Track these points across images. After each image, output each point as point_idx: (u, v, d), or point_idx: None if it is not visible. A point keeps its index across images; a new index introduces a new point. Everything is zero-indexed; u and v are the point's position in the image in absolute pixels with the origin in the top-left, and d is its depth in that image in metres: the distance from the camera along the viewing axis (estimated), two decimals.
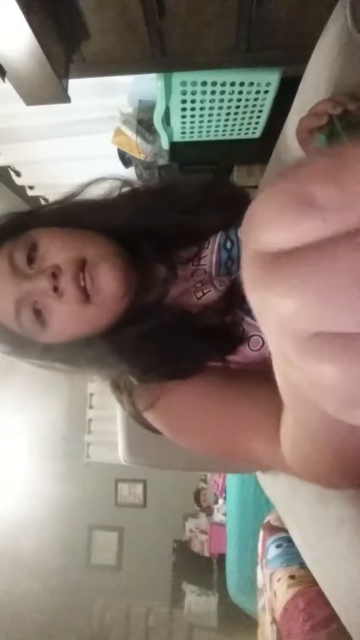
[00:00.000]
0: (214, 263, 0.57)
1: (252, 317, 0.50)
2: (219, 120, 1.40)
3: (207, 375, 0.51)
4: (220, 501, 2.90)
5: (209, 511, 3.05)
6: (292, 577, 1.14)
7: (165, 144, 1.52)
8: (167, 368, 0.51)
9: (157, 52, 1.10)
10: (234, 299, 0.52)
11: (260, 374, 0.48)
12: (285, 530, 1.16)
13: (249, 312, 0.50)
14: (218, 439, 0.50)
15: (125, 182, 0.60)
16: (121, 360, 0.52)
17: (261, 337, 0.50)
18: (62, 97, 1.11)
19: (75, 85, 1.15)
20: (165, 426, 0.54)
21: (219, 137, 1.51)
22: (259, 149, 1.53)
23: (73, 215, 0.55)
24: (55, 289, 0.47)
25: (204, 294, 0.54)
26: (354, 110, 0.51)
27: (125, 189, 0.60)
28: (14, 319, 0.49)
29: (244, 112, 1.37)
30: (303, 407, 0.29)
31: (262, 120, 1.42)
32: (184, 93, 1.26)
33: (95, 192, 0.59)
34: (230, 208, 0.58)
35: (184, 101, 1.29)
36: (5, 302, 0.49)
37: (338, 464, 0.38)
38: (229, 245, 0.57)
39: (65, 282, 0.47)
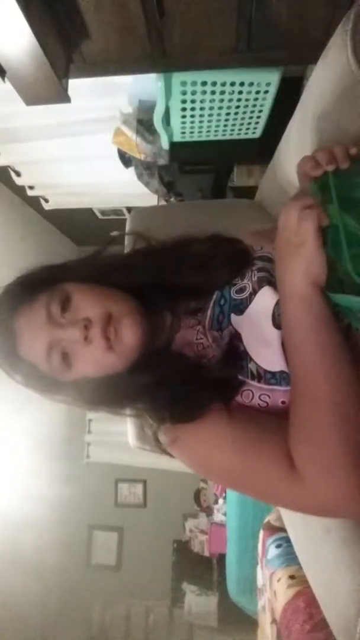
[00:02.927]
0: (208, 317, 0.66)
1: (244, 375, 0.58)
2: (219, 120, 1.40)
3: (223, 417, 0.57)
4: (220, 501, 2.90)
5: (209, 511, 3.05)
6: (292, 577, 1.14)
7: (165, 144, 1.52)
8: (175, 411, 0.59)
9: (157, 52, 1.10)
10: (233, 355, 0.60)
11: (260, 412, 0.57)
12: (285, 530, 1.16)
13: (241, 369, 0.58)
14: (235, 477, 0.59)
15: (142, 237, 0.72)
16: (132, 401, 0.62)
17: (252, 391, 0.57)
18: (62, 97, 1.11)
19: (75, 85, 1.15)
20: (185, 459, 0.62)
21: (219, 137, 1.50)
22: (259, 149, 1.53)
23: (100, 273, 0.65)
24: (86, 338, 0.56)
25: (202, 346, 0.64)
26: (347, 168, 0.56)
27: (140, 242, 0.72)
28: (45, 359, 0.58)
29: (244, 112, 1.37)
30: (312, 376, 0.49)
31: (262, 120, 1.41)
32: (184, 93, 1.26)
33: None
34: (236, 263, 0.68)
35: (184, 101, 1.29)
36: (40, 345, 0.58)
37: (355, 454, 0.45)
38: (222, 302, 0.65)
39: (94, 333, 0.56)
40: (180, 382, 0.60)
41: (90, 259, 0.70)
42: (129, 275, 0.66)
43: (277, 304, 0.59)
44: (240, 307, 0.63)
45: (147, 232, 0.73)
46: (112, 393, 0.62)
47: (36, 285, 0.62)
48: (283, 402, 0.56)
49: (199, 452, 0.60)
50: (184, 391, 0.59)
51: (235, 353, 0.60)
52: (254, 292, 0.63)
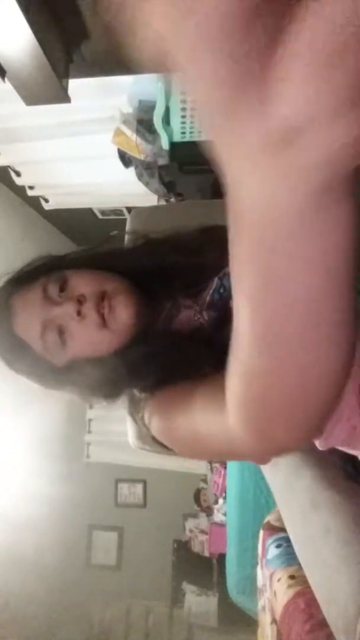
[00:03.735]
0: (207, 301, 0.67)
1: None
2: None
3: (195, 384, 0.57)
4: (220, 501, 2.90)
5: (209, 511, 3.05)
6: (292, 577, 1.14)
7: (165, 144, 1.52)
8: (165, 372, 0.59)
9: None
10: (227, 317, 0.58)
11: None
12: (285, 530, 1.16)
13: None
14: (191, 435, 0.54)
15: (141, 235, 0.73)
16: (127, 380, 0.62)
17: None
18: (62, 97, 1.11)
19: (75, 85, 1.15)
20: (159, 433, 0.61)
21: None
22: None
23: (98, 260, 0.67)
24: (79, 313, 0.56)
25: (200, 323, 0.65)
26: None
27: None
28: (39, 337, 0.58)
29: None
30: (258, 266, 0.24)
31: None
32: (184, 93, 1.26)
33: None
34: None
35: (184, 101, 1.29)
36: (35, 322, 0.58)
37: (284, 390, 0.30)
38: (222, 290, 0.66)
39: (87, 309, 0.57)
40: (173, 349, 0.61)
41: (90, 249, 0.72)
42: (126, 261, 0.68)
43: None
44: None
45: (146, 231, 0.74)
46: (107, 374, 0.61)
47: (36, 271, 0.64)
48: None
49: (167, 419, 0.59)
50: (177, 354, 0.60)
51: (229, 315, 0.55)
52: None
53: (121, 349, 0.60)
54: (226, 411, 0.37)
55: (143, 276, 0.65)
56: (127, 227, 1.28)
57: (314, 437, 0.48)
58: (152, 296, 0.66)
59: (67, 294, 0.59)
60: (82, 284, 0.60)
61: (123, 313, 0.58)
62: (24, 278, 0.63)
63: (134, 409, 0.66)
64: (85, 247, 0.73)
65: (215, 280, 0.67)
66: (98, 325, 0.57)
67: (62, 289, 0.59)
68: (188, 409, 0.53)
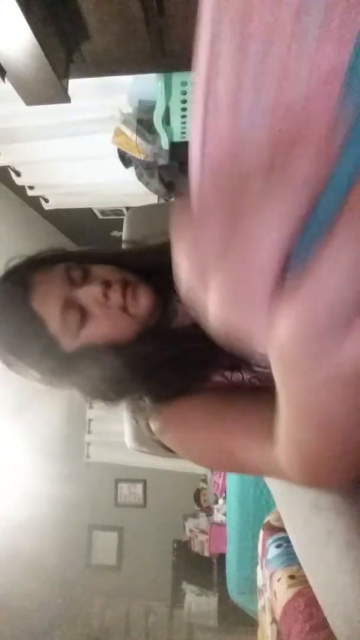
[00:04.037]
0: None
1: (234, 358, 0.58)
2: None
3: (206, 394, 0.58)
4: (220, 501, 2.90)
5: (209, 511, 3.05)
6: (292, 577, 1.14)
7: (165, 144, 1.52)
8: (176, 379, 0.59)
9: (157, 52, 1.10)
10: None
11: (249, 389, 0.57)
12: (285, 530, 1.16)
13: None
14: (220, 452, 0.56)
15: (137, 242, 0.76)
16: (134, 374, 0.61)
17: (242, 374, 0.58)
18: (62, 97, 1.11)
19: (75, 85, 1.15)
20: (175, 444, 0.61)
21: None
22: None
23: (118, 257, 0.69)
24: (105, 295, 0.57)
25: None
26: None
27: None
28: (59, 314, 0.56)
29: None
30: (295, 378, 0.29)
31: None
32: (184, 93, 1.26)
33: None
34: None
35: (184, 101, 1.29)
36: (56, 299, 0.57)
37: (333, 442, 0.35)
38: None
39: (113, 292, 0.58)
40: (180, 349, 0.60)
41: (109, 248, 0.75)
42: (137, 261, 0.69)
43: None
44: None
45: (141, 237, 0.74)
46: (112, 369, 0.60)
47: (56, 255, 0.65)
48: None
49: (186, 428, 0.59)
50: (184, 358, 0.59)
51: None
52: None
53: (130, 344, 0.60)
54: (272, 445, 0.41)
55: (153, 276, 0.66)
56: (124, 227, 1.28)
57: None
58: (161, 296, 0.66)
59: (92, 278, 0.59)
60: (106, 272, 0.61)
61: (145, 300, 0.59)
62: (44, 260, 0.64)
63: (139, 415, 0.66)
64: (104, 247, 0.75)
65: None
66: (121, 309, 0.58)
67: (85, 276, 0.60)
68: (216, 428, 0.54)
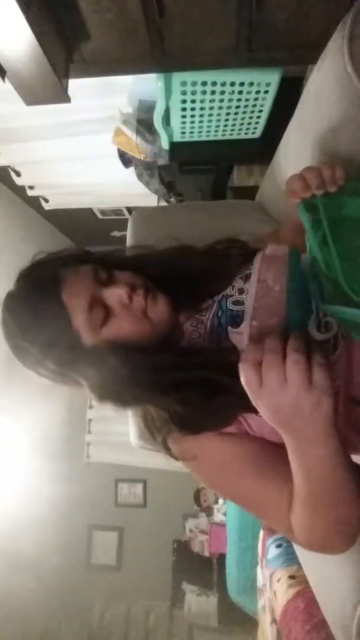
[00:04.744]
0: (207, 327, 0.70)
1: None
2: (219, 120, 1.40)
3: (234, 441, 0.63)
4: (220, 501, 2.90)
5: (209, 511, 3.05)
6: (292, 577, 1.14)
7: (165, 144, 1.52)
8: (198, 403, 0.61)
9: (157, 52, 1.09)
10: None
11: (274, 446, 0.61)
12: None
13: None
14: (236, 498, 0.67)
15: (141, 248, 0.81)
16: (147, 379, 0.63)
17: None
18: (62, 97, 1.11)
19: (75, 85, 1.15)
20: (196, 473, 0.68)
21: (219, 137, 1.50)
22: (259, 149, 1.53)
23: (136, 263, 0.73)
24: (130, 297, 0.62)
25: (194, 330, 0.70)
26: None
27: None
28: (85, 309, 0.60)
29: (244, 112, 1.37)
30: (320, 495, 0.53)
31: (262, 120, 1.41)
32: (184, 93, 1.26)
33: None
34: (240, 255, 0.74)
35: (184, 101, 1.29)
36: (86, 294, 0.61)
37: (344, 533, 0.55)
38: (220, 314, 0.69)
39: (137, 296, 0.63)
40: (193, 366, 0.62)
41: (128, 251, 0.81)
42: (153, 269, 0.73)
43: None
44: (237, 320, 0.65)
45: (149, 241, 0.79)
46: (127, 370, 0.62)
47: (83, 255, 0.71)
48: None
49: (213, 470, 0.65)
50: (214, 392, 0.60)
51: (228, 342, 0.65)
52: None
53: (146, 348, 0.63)
54: (288, 514, 0.57)
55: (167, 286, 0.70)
56: (129, 229, 1.28)
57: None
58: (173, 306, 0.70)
59: (117, 281, 0.64)
60: (129, 277, 0.65)
61: (164, 307, 0.65)
62: (70, 258, 0.68)
63: (156, 429, 0.68)
64: (113, 250, 0.79)
65: (215, 304, 0.70)
66: (142, 312, 0.63)
67: (110, 278, 0.64)
68: (241, 477, 0.62)
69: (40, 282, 0.63)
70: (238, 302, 0.67)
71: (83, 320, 0.60)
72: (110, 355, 0.61)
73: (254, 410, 0.50)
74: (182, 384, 0.61)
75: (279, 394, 0.45)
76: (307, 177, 0.60)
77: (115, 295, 0.62)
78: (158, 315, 0.64)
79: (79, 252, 0.71)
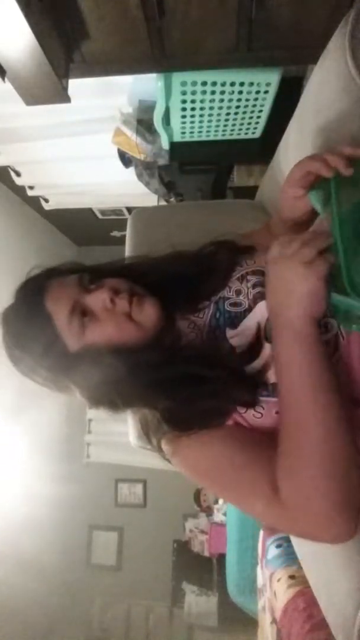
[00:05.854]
0: (206, 327, 0.70)
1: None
2: (219, 120, 1.40)
3: (222, 436, 0.61)
4: (220, 501, 2.90)
5: (209, 511, 3.05)
6: (292, 577, 1.14)
7: (165, 144, 1.52)
8: (191, 402, 0.61)
9: (157, 52, 1.10)
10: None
11: (262, 435, 0.59)
12: None
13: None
14: (227, 492, 0.65)
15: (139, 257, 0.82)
16: (137, 381, 0.63)
17: (262, 408, 0.59)
18: (62, 97, 1.11)
19: (75, 85, 1.15)
20: (185, 472, 0.66)
21: (219, 137, 1.50)
22: (259, 149, 1.53)
23: (128, 270, 0.74)
24: (112, 301, 0.62)
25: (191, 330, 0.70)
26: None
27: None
28: (68, 314, 0.61)
29: (244, 112, 1.37)
30: (303, 413, 0.51)
31: (262, 120, 1.41)
32: (184, 93, 1.26)
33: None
34: (231, 255, 0.74)
35: (184, 101, 1.29)
36: (66, 300, 0.62)
37: (337, 490, 0.48)
38: (217, 315, 0.69)
39: (120, 299, 0.63)
40: (188, 366, 0.62)
41: (118, 262, 0.81)
42: (146, 275, 0.73)
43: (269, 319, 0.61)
44: (235, 321, 0.66)
45: (146, 249, 0.79)
46: (115, 373, 0.63)
47: (72, 267, 0.71)
48: (277, 412, 0.57)
49: (200, 467, 0.64)
50: (197, 382, 0.60)
51: (226, 342, 0.65)
52: (249, 309, 0.65)
53: (134, 351, 0.63)
54: (276, 495, 0.52)
55: (161, 292, 0.70)
56: (128, 229, 1.28)
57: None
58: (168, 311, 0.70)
59: (102, 287, 0.64)
60: (115, 282, 0.65)
61: (150, 309, 0.64)
62: (61, 270, 0.70)
63: (152, 431, 0.68)
64: (114, 260, 0.80)
65: (212, 305, 0.70)
66: (125, 314, 0.62)
67: (96, 285, 0.65)
68: (227, 476, 0.59)
69: (28, 294, 0.66)
70: (235, 304, 0.67)
71: (65, 325, 0.61)
72: (96, 360, 0.62)
73: (244, 405, 0.56)
74: (172, 380, 0.61)
75: (286, 261, 0.52)
76: (328, 157, 0.57)
77: (98, 299, 0.62)
78: (144, 318, 0.63)
79: (72, 266, 0.72)
